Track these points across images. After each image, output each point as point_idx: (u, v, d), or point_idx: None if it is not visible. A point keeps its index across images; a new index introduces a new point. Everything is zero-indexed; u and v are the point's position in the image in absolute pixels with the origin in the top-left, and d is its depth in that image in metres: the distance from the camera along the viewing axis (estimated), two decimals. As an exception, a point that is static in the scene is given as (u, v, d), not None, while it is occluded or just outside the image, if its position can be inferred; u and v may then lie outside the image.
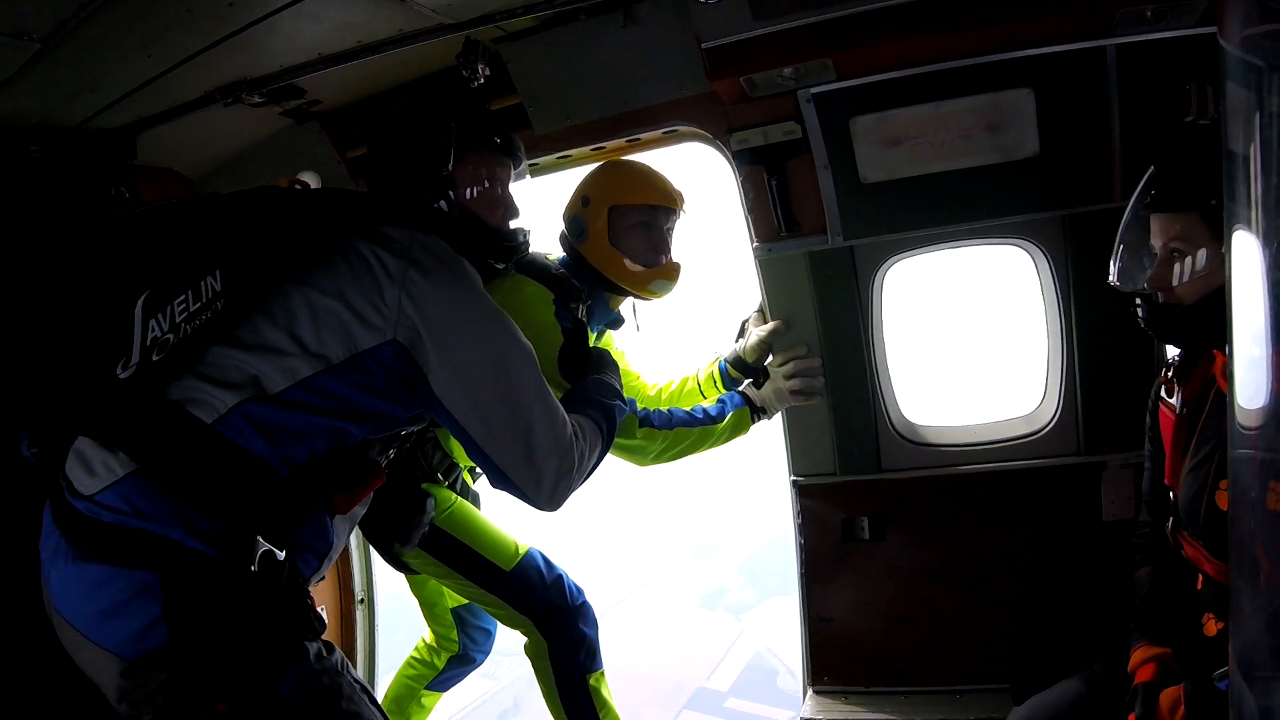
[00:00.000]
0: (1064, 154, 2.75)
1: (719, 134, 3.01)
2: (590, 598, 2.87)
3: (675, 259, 2.96)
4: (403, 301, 1.89)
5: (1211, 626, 2.20)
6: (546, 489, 2.06)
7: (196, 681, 1.70)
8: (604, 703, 2.83)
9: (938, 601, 3.18)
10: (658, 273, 2.91)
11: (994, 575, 3.10)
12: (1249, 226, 1.08)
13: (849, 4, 2.57)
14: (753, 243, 3.07)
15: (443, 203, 2.25)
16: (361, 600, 4.08)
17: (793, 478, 3.25)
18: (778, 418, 3.16)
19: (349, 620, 4.06)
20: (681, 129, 3.07)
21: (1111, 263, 2.22)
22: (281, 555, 1.82)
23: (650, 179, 2.93)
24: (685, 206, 2.97)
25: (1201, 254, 2.01)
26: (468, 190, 2.31)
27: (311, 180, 2.47)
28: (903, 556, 3.18)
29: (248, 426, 1.77)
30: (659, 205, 2.91)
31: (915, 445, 3.14)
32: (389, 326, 1.88)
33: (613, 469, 2.62)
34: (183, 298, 1.74)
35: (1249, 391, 1.14)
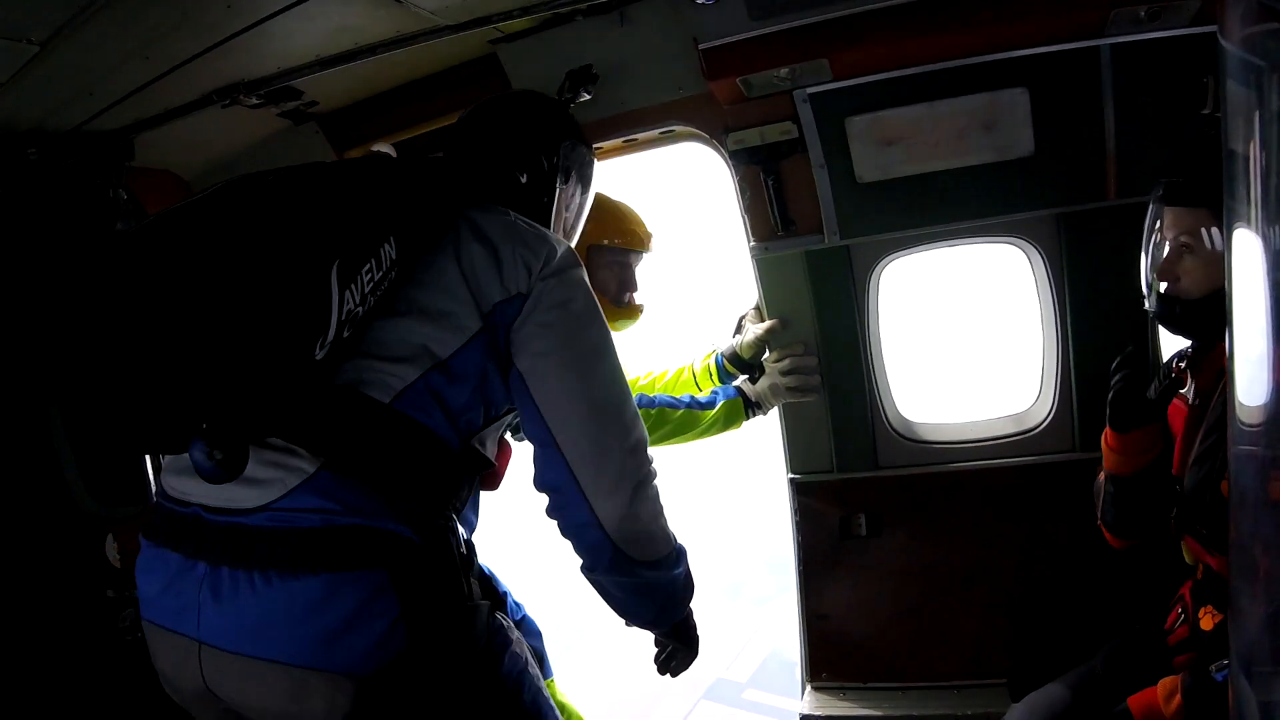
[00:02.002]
0: (1058, 153, 2.77)
1: (715, 134, 3.02)
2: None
3: (640, 300, 3.05)
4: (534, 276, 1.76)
5: (1209, 620, 2.22)
6: None
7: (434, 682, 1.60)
8: (563, 706, 2.76)
9: (935, 598, 3.20)
10: (623, 312, 3.00)
11: (990, 571, 3.12)
12: (1248, 224, 1.10)
13: (844, 5, 2.58)
14: (749, 242, 3.08)
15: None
16: None
17: (790, 475, 3.27)
18: (774, 415, 3.17)
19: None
20: (678, 129, 3.08)
21: (1143, 253, 2.24)
22: (466, 534, 1.77)
23: (631, 222, 3.02)
24: (654, 246, 3.07)
25: (1209, 249, 2.04)
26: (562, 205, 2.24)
27: (389, 151, 2.44)
28: (900, 553, 3.20)
29: (430, 401, 1.64)
30: (636, 249, 3.01)
31: (912, 443, 3.16)
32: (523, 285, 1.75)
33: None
34: (368, 266, 1.55)
35: (1249, 385, 1.15)
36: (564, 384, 1.74)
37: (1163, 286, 2.15)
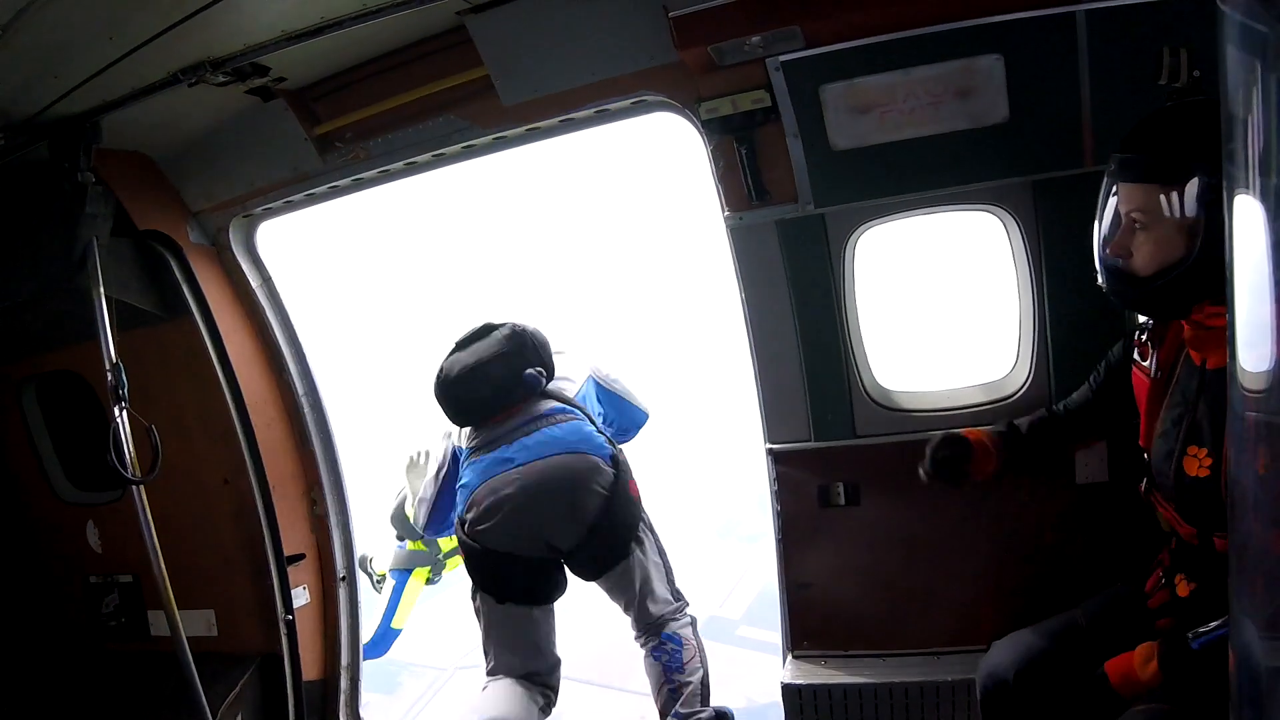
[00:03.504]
0: (1034, 120, 2.75)
1: (688, 103, 3.00)
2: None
3: None
4: None
5: (1184, 587, 2.25)
6: None
7: None
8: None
9: (914, 566, 3.22)
10: None
11: (969, 539, 3.14)
12: (1249, 190, 1.09)
13: None
14: (724, 212, 3.07)
15: None
16: (343, 578, 4.12)
17: (768, 445, 3.26)
18: (751, 386, 3.19)
19: (331, 597, 4.10)
20: (650, 99, 3.06)
21: (1096, 225, 2.22)
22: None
23: None
24: None
25: (1161, 227, 2.03)
26: None
27: None
28: (878, 522, 3.21)
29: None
30: None
31: (889, 411, 3.16)
32: None
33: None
34: None
35: (1251, 361, 1.15)
36: None
37: (1115, 263, 2.14)
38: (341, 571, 4.11)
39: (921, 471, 2.69)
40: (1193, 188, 1.95)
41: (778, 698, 3.24)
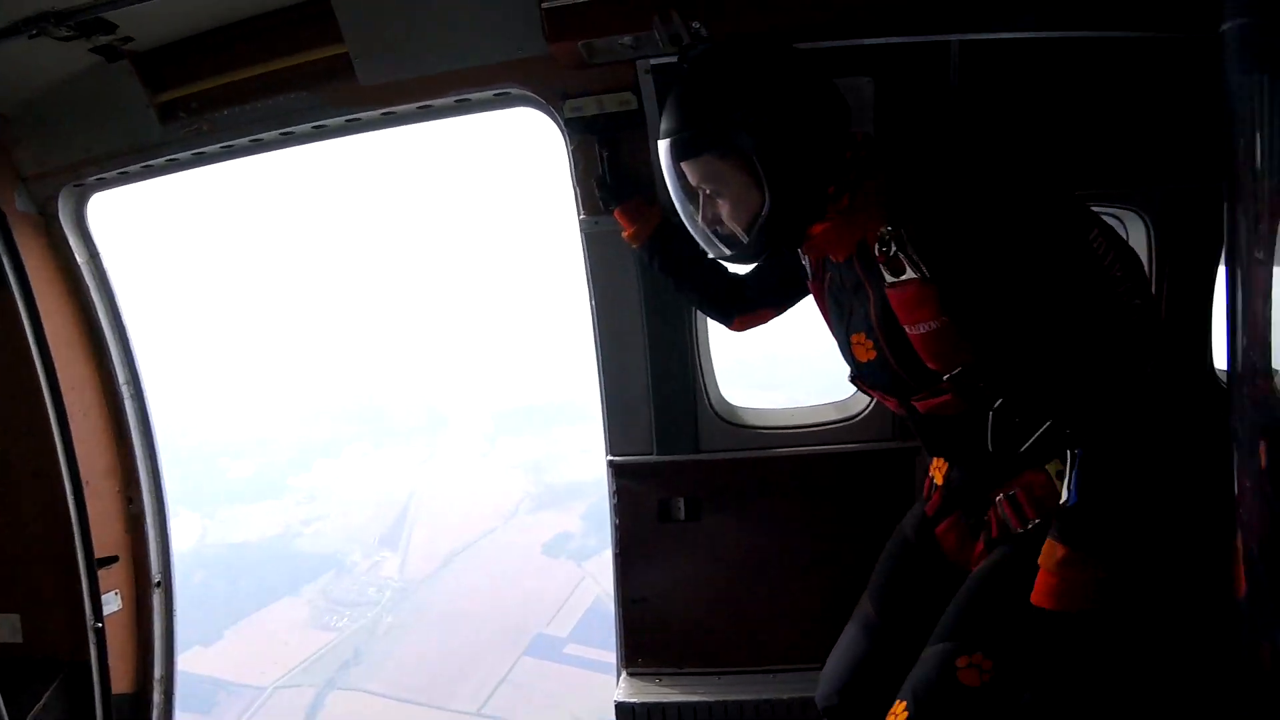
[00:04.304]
0: None
1: (552, 100, 2.93)
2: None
3: None
4: None
5: (939, 474, 2.41)
6: None
7: None
8: None
9: (753, 583, 3.21)
10: None
11: (810, 557, 3.16)
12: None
13: None
14: (579, 214, 3.01)
15: None
16: (158, 583, 3.81)
17: (609, 457, 3.20)
18: (595, 398, 3.12)
19: (145, 604, 3.79)
20: (514, 92, 2.97)
21: (678, 207, 2.28)
22: None
23: None
24: None
25: (731, 188, 2.09)
26: None
27: None
28: (719, 538, 3.19)
29: None
30: None
31: (734, 427, 3.16)
32: None
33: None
34: None
35: None
36: None
37: (715, 230, 2.20)
38: (157, 576, 3.79)
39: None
40: (737, 140, 2.03)
41: (609, 716, 3.15)
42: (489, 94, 2.99)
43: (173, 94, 3.21)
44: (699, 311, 3.04)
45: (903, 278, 1.96)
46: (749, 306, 2.74)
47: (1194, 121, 2.76)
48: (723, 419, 3.15)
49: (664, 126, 2.14)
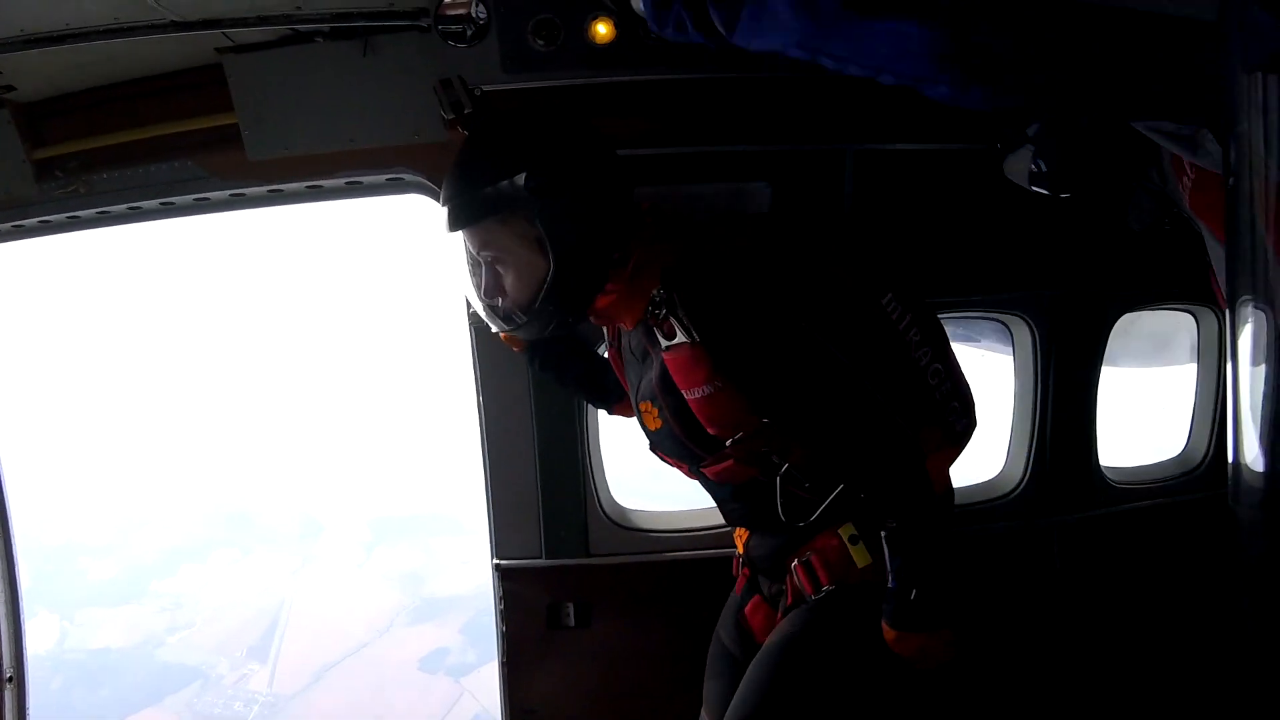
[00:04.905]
0: None
1: (447, 189, 2.83)
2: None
3: None
4: None
5: (739, 542, 2.49)
6: None
7: None
8: None
9: (646, 688, 3.13)
10: None
11: (702, 660, 3.05)
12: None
13: (603, 73, 2.58)
14: (468, 310, 2.90)
15: None
16: (10, 678, 3.53)
17: (495, 561, 3.08)
18: (481, 499, 3.01)
19: (-6, 703, 3.52)
20: (407, 178, 2.88)
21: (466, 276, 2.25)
22: None
23: None
24: None
25: (513, 254, 2.08)
26: None
27: None
28: (610, 643, 3.11)
29: None
30: None
31: (625, 530, 3.09)
32: None
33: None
34: None
35: None
36: None
37: (495, 304, 2.17)
38: (9, 671, 3.51)
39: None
40: (517, 204, 2.02)
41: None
42: (381, 178, 2.90)
43: (51, 151, 3.01)
44: (590, 407, 2.98)
45: (675, 341, 2.00)
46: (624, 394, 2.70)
47: (1077, 229, 2.94)
48: (614, 522, 3.07)
49: (443, 194, 2.11)
